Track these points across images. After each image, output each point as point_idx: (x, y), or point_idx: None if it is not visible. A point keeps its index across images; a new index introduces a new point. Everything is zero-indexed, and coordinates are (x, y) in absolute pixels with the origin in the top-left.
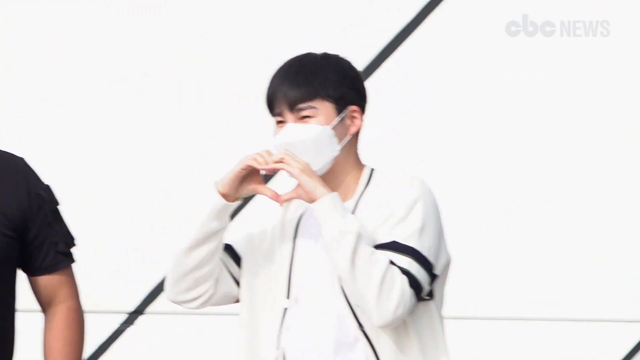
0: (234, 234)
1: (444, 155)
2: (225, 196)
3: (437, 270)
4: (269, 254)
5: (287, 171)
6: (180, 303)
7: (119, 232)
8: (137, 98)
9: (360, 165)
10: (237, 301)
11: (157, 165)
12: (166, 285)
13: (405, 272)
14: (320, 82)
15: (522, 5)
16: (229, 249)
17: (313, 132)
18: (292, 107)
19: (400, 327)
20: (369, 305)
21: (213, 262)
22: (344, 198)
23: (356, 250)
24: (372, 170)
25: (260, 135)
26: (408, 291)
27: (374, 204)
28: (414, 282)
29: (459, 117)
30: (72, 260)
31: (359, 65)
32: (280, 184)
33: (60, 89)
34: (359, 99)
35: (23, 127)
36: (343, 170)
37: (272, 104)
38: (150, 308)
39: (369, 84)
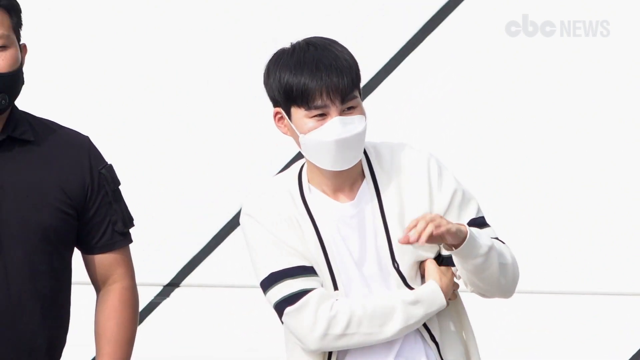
0: (291, 256)
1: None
2: None
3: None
4: (301, 254)
5: (442, 233)
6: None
7: (156, 205)
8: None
9: None
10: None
11: (197, 143)
12: (316, 336)
13: (502, 241)
14: (356, 70)
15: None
16: (312, 271)
17: (364, 124)
18: (344, 99)
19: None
20: (508, 286)
21: None
22: (357, 180)
23: (498, 255)
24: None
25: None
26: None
27: (397, 179)
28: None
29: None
30: (130, 241)
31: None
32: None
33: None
34: None
35: None
36: None
37: (311, 96)
38: (186, 281)
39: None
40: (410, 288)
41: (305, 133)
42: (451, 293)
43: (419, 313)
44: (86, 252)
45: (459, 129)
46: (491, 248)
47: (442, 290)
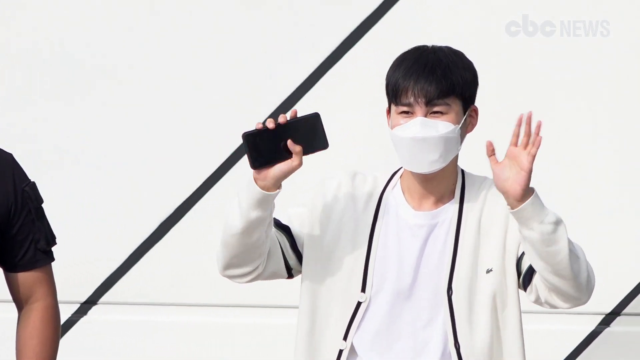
0: (295, 217)
1: None
2: None
3: None
4: (338, 243)
5: (533, 154)
6: (230, 278)
7: (73, 222)
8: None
9: (457, 167)
10: (288, 277)
11: (114, 159)
12: (216, 261)
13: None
14: (457, 81)
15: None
16: (285, 229)
17: (447, 130)
18: (428, 102)
19: (495, 341)
20: (580, 287)
21: (262, 245)
22: (444, 197)
23: (569, 240)
24: (463, 171)
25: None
26: None
27: (479, 210)
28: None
29: None
30: (52, 259)
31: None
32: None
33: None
34: (475, 99)
35: None
36: (450, 170)
37: (401, 93)
38: (103, 298)
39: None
40: (454, 332)
41: (392, 128)
42: None
43: None
44: (8, 269)
45: None
46: (560, 222)
47: None
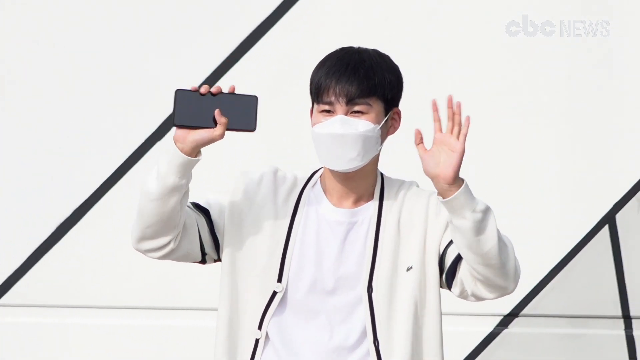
0: (214, 203)
1: None
2: None
3: None
4: (257, 233)
5: (464, 134)
6: (143, 252)
7: None
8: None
9: (377, 170)
10: (201, 262)
11: (14, 155)
12: (131, 233)
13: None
14: (380, 82)
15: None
16: (204, 212)
17: (365, 128)
18: (349, 101)
19: (414, 340)
20: (508, 275)
21: (176, 216)
22: (363, 197)
23: (497, 229)
24: (382, 174)
25: None
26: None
27: (398, 210)
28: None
29: None
30: None
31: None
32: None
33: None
34: (399, 102)
35: None
36: (369, 170)
37: (323, 92)
38: (2, 300)
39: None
40: (374, 329)
41: (313, 126)
42: None
43: None
44: None
45: None
46: (490, 210)
47: None
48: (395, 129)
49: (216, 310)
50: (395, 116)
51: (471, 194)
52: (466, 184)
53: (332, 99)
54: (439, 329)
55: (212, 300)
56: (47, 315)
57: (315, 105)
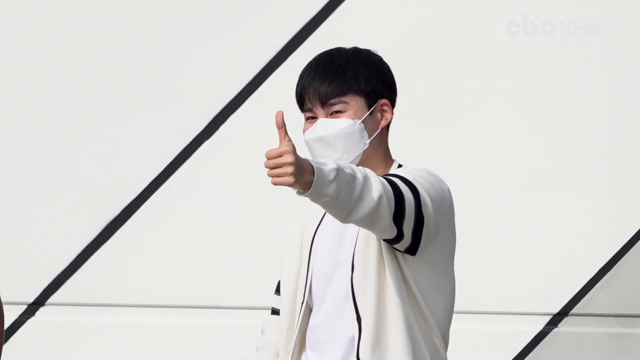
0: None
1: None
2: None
3: (426, 208)
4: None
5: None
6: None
7: (19, 222)
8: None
9: (389, 160)
10: None
11: (55, 160)
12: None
13: (390, 181)
14: (352, 77)
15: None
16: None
17: (343, 126)
18: (324, 103)
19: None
20: (379, 215)
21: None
22: None
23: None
24: (400, 165)
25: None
26: (389, 188)
27: None
28: (397, 189)
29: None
30: None
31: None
32: None
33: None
34: (390, 93)
35: None
36: (372, 164)
37: (302, 99)
38: (51, 299)
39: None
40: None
41: (303, 134)
42: None
43: None
44: None
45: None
46: (336, 176)
47: None
48: (387, 119)
49: (255, 309)
50: (385, 107)
51: (318, 185)
52: (315, 184)
53: (310, 104)
54: (399, 299)
55: (251, 299)
56: (93, 314)
57: (303, 115)
